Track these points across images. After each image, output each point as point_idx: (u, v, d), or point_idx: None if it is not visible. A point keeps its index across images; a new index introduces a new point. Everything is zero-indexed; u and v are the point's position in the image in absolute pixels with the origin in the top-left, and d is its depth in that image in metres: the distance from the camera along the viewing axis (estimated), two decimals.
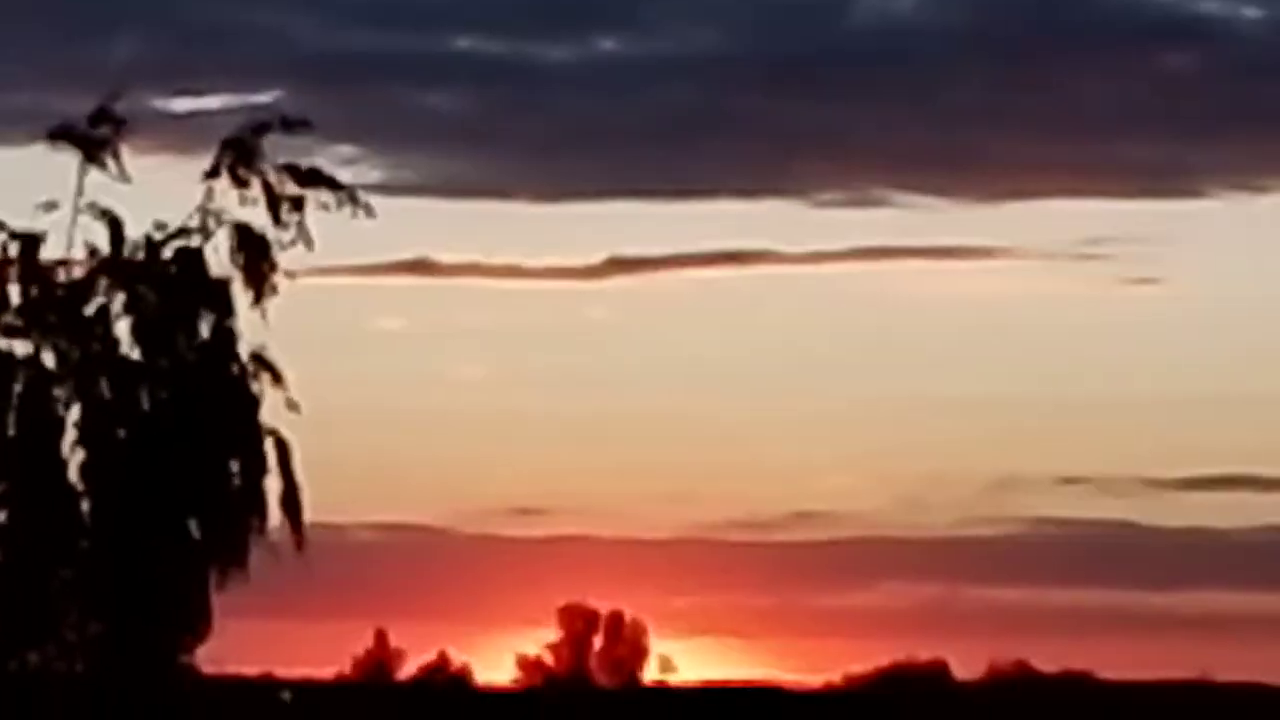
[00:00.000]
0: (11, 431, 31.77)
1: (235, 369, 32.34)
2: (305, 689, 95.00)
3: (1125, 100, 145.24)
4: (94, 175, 32.26)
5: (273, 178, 32.34)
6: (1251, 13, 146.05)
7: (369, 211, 32.95)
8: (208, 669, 33.28)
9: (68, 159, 32.25)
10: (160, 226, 32.33)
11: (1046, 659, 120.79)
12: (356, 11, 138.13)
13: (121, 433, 32.15)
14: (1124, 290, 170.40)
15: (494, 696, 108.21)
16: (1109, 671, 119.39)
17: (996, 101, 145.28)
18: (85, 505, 32.04)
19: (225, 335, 32.31)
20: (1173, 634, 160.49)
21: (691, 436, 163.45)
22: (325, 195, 32.53)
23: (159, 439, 32.19)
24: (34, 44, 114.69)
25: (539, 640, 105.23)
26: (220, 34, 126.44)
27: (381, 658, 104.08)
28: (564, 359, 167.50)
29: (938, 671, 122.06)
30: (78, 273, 32.24)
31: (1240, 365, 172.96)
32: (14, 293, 32.15)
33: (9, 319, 32.05)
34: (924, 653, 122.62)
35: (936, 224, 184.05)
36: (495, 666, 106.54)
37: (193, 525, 32.26)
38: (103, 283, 32.21)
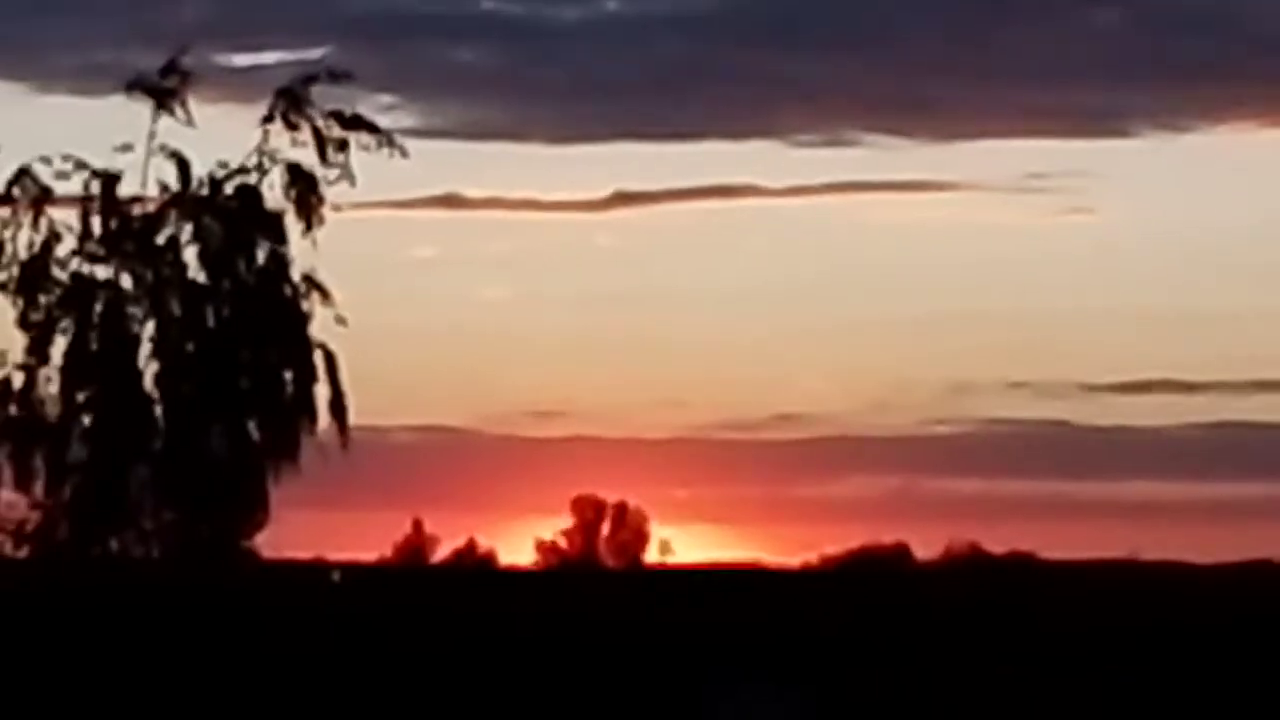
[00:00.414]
0: (94, 346, 32.43)
1: (288, 290, 32.99)
2: (351, 570, 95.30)
3: (1062, 52, 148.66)
4: (164, 122, 32.80)
5: (320, 123, 32.90)
6: None
7: (404, 152, 33.46)
8: (266, 553, 34.10)
9: (142, 107, 32.75)
10: (223, 166, 33.00)
11: (995, 542, 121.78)
12: None
13: (189, 346, 32.85)
14: (1061, 219, 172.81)
15: (516, 576, 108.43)
16: (1049, 552, 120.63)
17: (950, 54, 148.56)
18: (158, 410, 32.70)
19: (279, 261, 32.99)
20: (1105, 519, 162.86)
21: (686, 349, 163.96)
22: (366, 138, 33.04)
23: (222, 352, 32.93)
24: (111, 6, 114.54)
25: (554, 527, 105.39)
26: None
27: (418, 543, 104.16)
28: (575, 281, 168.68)
29: (900, 553, 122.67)
30: (151, 207, 32.85)
31: (1163, 285, 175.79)
32: (95, 224, 32.55)
33: (91, 247, 32.60)
34: (888, 537, 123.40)
35: (898, 161, 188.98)
36: (517, 551, 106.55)
37: (252, 427, 32.92)
38: (172, 215, 32.88)
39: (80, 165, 32.40)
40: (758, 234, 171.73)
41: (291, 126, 32.77)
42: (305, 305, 32.88)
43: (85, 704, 31.87)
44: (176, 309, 32.69)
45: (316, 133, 32.72)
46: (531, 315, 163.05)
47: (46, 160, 32.31)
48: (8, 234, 32.18)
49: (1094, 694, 72.64)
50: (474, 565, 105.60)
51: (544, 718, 66.37)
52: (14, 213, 32.19)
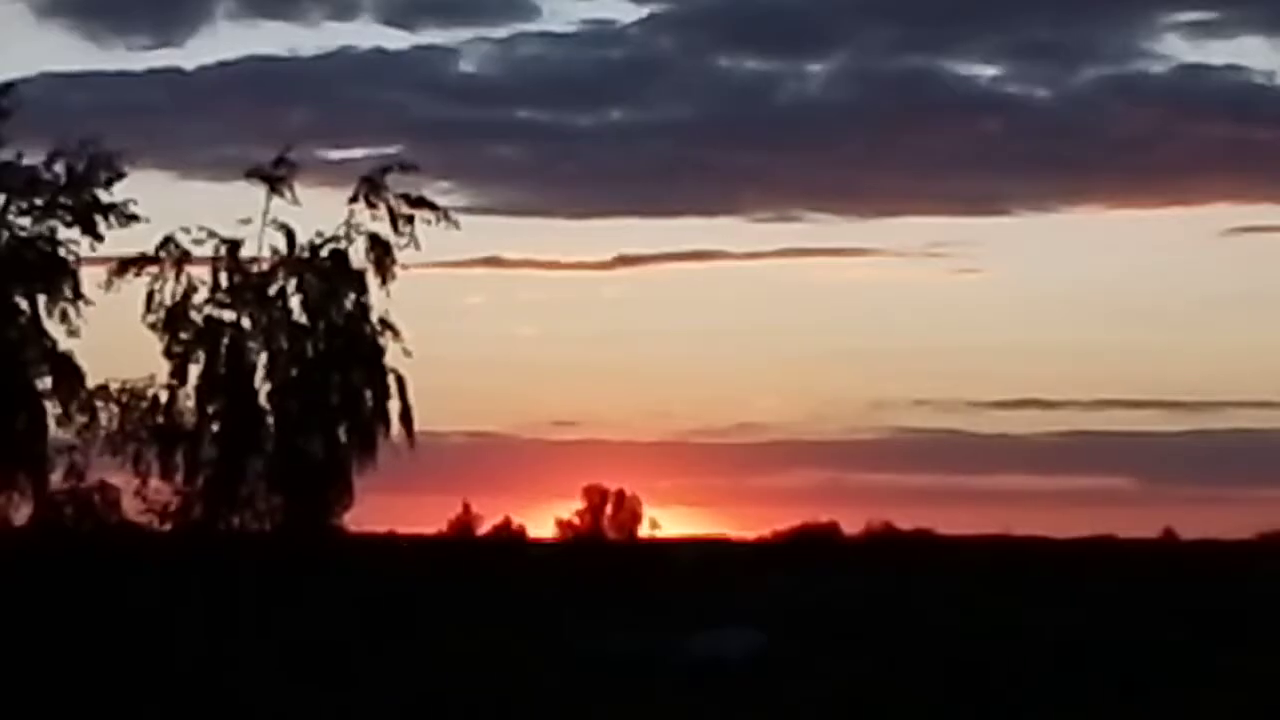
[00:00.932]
0: (221, 371, 32.28)
1: (368, 330, 32.84)
2: (416, 541, 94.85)
3: (956, 150, 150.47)
4: (276, 201, 32.67)
5: (393, 203, 32.72)
6: (1041, 92, 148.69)
7: (456, 225, 33.30)
8: (350, 528, 33.82)
9: (259, 190, 32.62)
10: (319, 235, 32.85)
11: (904, 520, 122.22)
12: (452, 91, 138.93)
13: (293, 372, 32.70)
14: (955, 277, 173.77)
15: (540, 545, 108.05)
16: (944, 529, 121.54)
17: (872, 152, 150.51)
18: (269, 420, 32.62)
19: (362, 307, 32.85)
20: (986, 504, 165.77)
21: (670, 375, 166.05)
22: (427, 214, 32.89)
23: (318, 375, 32.72)
24: (236, 112, 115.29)
25: (569, 509, 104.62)
26: (361, 106, 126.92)
27: (466, 520, 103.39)
28: (587, 323, 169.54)
29: (831, 529, 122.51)
30: (265, 266, 32.68)
31: (1032, 326, 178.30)
32: (223, 279, 32.39)
33: (219, 296, 32.44)
34: (823, 517, 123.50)
35: (832, 233, 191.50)
36: (541, 526, 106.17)
37: (340, 433, 32.70)
38: (281, 272, 32.75)
39: (211, 234, 32.24)
40: (725, 288, 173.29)
41: (372, 205, 32.59)
42: (381, 341, 32.68)
43: (214, 639, 31.80)
44: (284, 343, 32.60)
45: (390, 210, 32.53)
46: (554, 348, 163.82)
47: (186, 230, 32.23)
48: (156, 285, 32.02)
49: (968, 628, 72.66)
50: (509, 537, 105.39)
51: (564, 649, 66.07)
52: (161, 270, 32.03)
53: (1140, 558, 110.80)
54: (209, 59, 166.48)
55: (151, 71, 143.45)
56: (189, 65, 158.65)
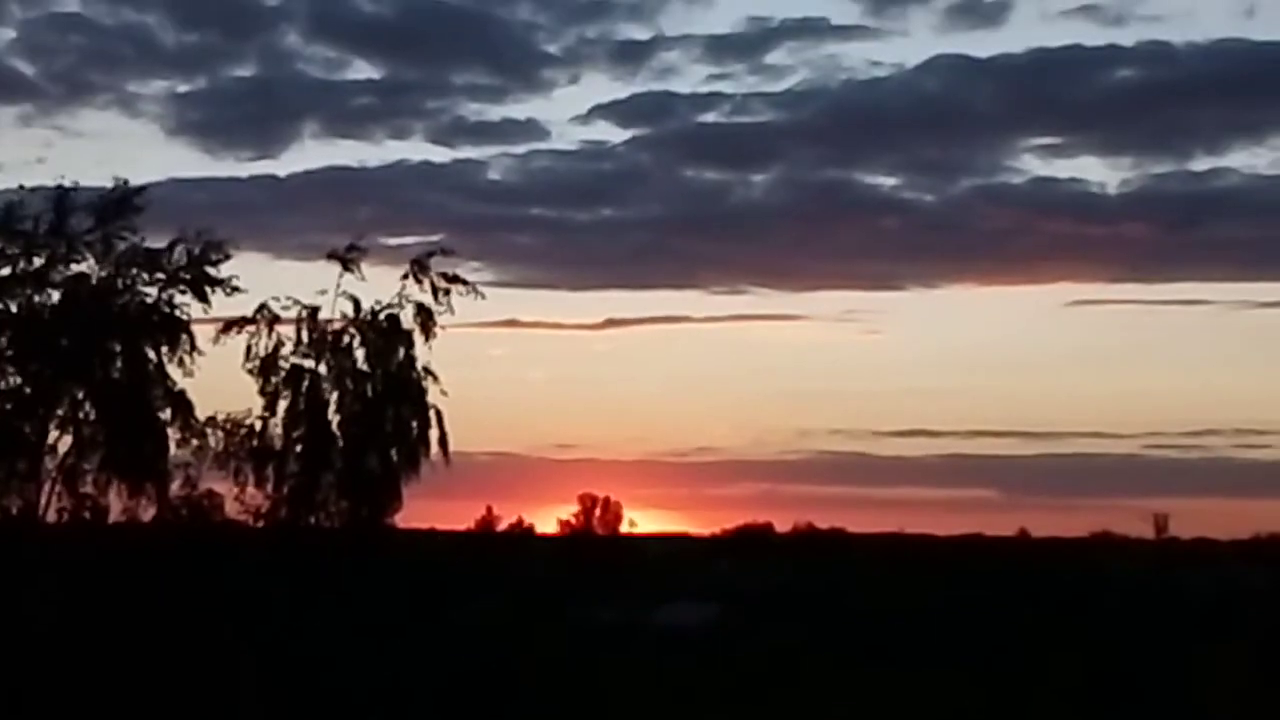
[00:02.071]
0: (301, 406, 31.93)
1: (415, 375, 32.46)
2: (450, 535, 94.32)
3: (866, 240, 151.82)
4: (347, 277, 32.39)
5: (435, 279, 32.40)
6: (928, 197, 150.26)
7: (482, 295, 33.04)
8: (400, 524, 33.53)
9: (334, 268, 32.36)
10: (378, 303, 32.55)
11: (823, 521, 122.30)
12: (482, 194, 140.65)
13: (357, 407, 32.27)
14: (864, 337, 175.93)
15: (545, 539, 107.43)
16: (853, 528, 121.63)
17: (801, 241, 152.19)
18: (339, 443, 32.18)
19: (410, 358, 32.48)
20: (886, 509, 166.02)
21: (648, 410, 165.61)
22: (461, 288, 32.53)
23: (376, 410, 32.34)
24: (317, 208, 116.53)
25: (568, 511, 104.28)
26: (413, 205, 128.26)
27: (489, 520, 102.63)
28: (583, 370, 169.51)
29: (768, 528, 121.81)
30: (337, 326, 32.37)
31: (922, 373, 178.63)
32: (304, 335, 32.10)
33: (302, 349, 32.09)
34: (761, 518, 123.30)
35: (771, 303, 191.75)
36: (547, 524, 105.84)
37: (393, 452, 32.30)
38: (349, 331, 32.40)
39: (296, 302, 32.10)
40: (689, 344, 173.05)
41: (419, 281, 32.30)
42: (424, 384, 32.31)
43: (296, 612, 31.53)
44: (350, 385, 32.21)
45: (433, 285, 32.21)
46: (557, 389, 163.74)
47: (276, 299, 32.05)
48: (253, 341, 31.76)
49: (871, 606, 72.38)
50: (521, 532, 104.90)
51: (563, 619, 65.73)
52: (257, 329, 31.79)
53: (1002, 551, 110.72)
54: (298, 168, 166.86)
55: (253, 177, 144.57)
56: (282, 173, 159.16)
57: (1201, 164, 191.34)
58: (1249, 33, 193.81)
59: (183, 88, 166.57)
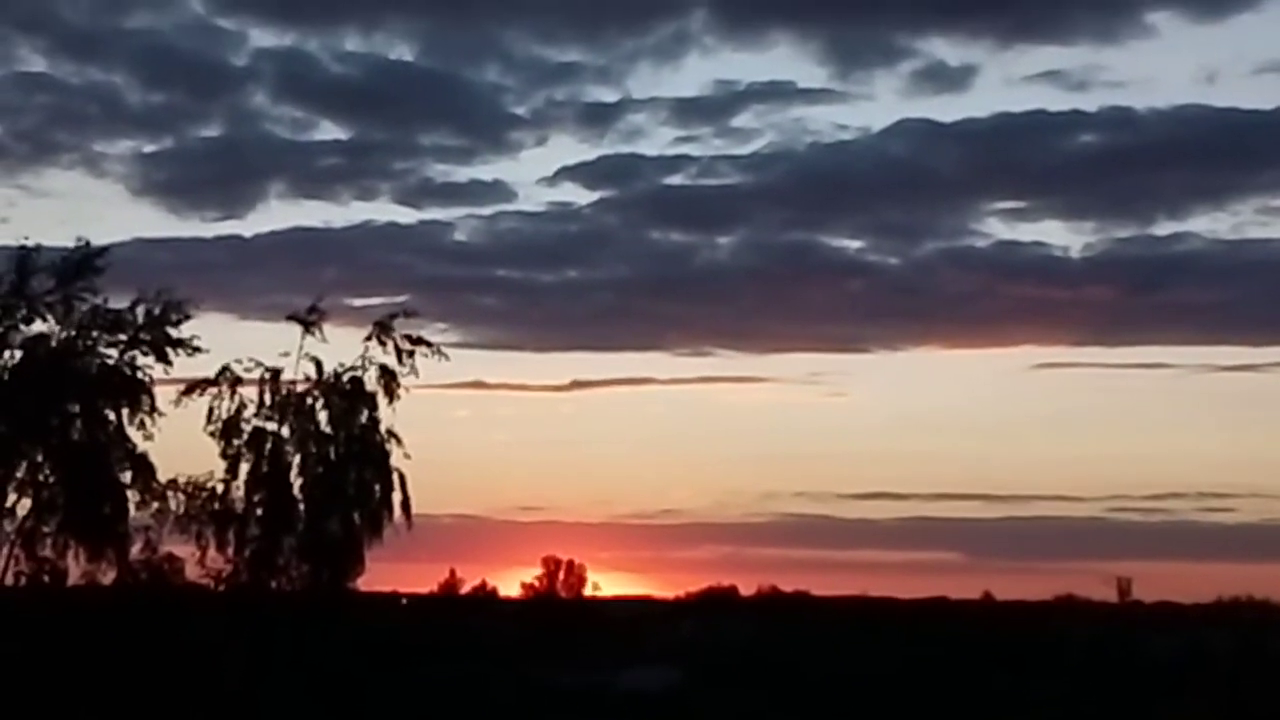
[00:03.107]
0: (265, 468, 31.81)
1: (378, 438, 32.41)
2: (412, 597, 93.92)
3: (831, 303, 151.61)
4: (309, 339, 32.39)
5: (399, 341, 32.43)
6: (893, 260, 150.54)
7: (446, 357, 33.05)
8: (362, 587, 33.52)
9: (295, 330, 32.33)
10: (342, 365, 32.50)
11: (787, 584, 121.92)
12: (448, 255, 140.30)
13: (319, 469, 32.22)
14: (828, 399, 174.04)
15: (509, 601, 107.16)
16: (817, 591, 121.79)
17: (765, 304, 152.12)
18: (301, 507, 32.10)
19: (373, 420, 32.44)
20: (850, 572, 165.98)
21: (612, 472, 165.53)
22: (425, 349, 32.58)
23: (339, 472, 32.27)
24: (280, 269, 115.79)
25: (531, 573, 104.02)
26: (378, 266, 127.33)
27: (452, 583, 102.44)
28: (548, 432, 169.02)
29: (732, 590, 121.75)
30: (300, 388, 32.34)
31: (886, 437, 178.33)
32: (267, 398, 32.07)
33: (265, 411, 32.07)
34: (725, 580, 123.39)
35: (736, 365, 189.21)
36: (510, 587, 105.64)
37: (356, 515, 32.22)
38: (314, 393, 32.40)
39: (259, 364, 32.00)
40: (654, 406, 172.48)
41: (382, 343, 32.29)
42: (388, 447, 32.23)
43: (256, 671, 31.46)
44: (312, 448, 32.15)
45: (396, 347, 32.23)
46: (522, 451, 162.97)
47: (239, 360, 31.94)
48: (215, 403, 31.69)
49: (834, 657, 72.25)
50: (485, 595, 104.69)
51: (526, 681, 65.47)
52: (219, 390, 31.70)
53: (966, 613, 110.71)
54: (264, 228, 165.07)
55: (218, 238, 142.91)
56: (247, 233, 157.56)
57: (1163, 228, 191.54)
58: (1210, 99, 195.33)
59: (149, 147, 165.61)
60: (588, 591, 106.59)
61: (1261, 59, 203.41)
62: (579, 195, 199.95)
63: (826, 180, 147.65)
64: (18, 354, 31.03)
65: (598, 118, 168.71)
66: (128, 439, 31.30)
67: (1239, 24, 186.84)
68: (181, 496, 31.44)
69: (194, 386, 31.66)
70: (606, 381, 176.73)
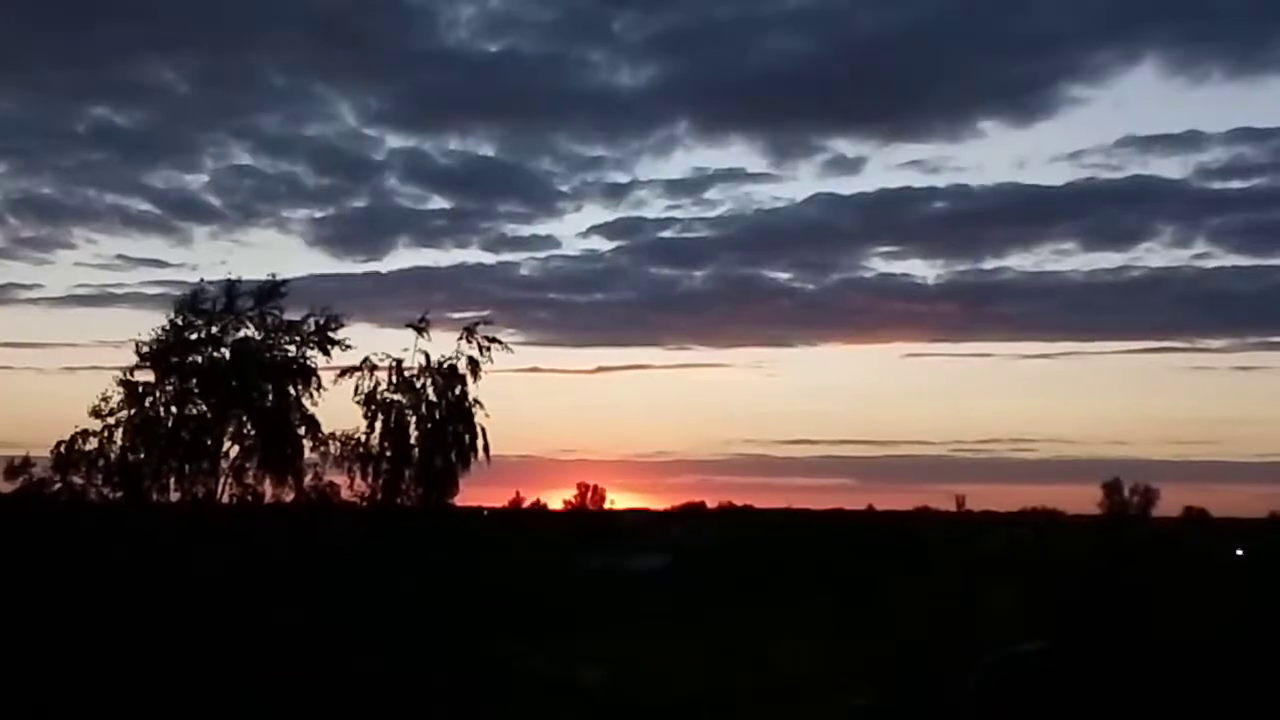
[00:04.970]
0: (392, 424, 31.27)
1: (467, 404, 31.84)
2: (491, 510, 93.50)
3: (769, 314, 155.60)
4: (421, 340, 31.89)
5: (481, 340, 31.94)
6: (810, 285, 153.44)
7: (512, 351, 32.46)
8: (457, 503, 32.74)
9: (412, 334, 31.93)
10: (443, 356, 32.03)
11: (738, 500, 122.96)
12: (516, 284, 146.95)
13: (428, 425, 31.54)
14: (768, 378, 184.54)
15: (554, 513, 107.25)
16: (758, 504, 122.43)
17: (727, 316, 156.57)
18: (416, 450, 31.43)
19: (464, 393, 31.86)
20: (782, 493, 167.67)
21: (624, 428, 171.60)
22: (499, 346, 32.06)
23: (441, 427, 31.71)
24: (407, 293, 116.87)
25: (570, 493, 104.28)
26: (470, 291, 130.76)
27: (517, 501, 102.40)
28: (581, 401, 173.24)
29: (702, 505, 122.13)
30: (414, 372, 31.81)
31: (805, 403, 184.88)
32: (393, 378, 31.59)
33: (391, 388, 31.60)
34: (698, 498, 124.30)
35: (706, 356, 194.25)
36: (555, 503, 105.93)
37: (453, 455, 31.61)
38: (426, 375, 31.85)
39: (389, 356, 31.43)
40: (654, 384, 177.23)
41: (470, 341, 31.78)
42: (474, 410, 31.67)
43: (391, 558, 30.68)
44: (424, 411, 31.54)
45: (479, 344, 31.73)
46: (563, 413, 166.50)
47: (376, 354, 31.39)
48: (360, 382, 31.08)
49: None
50: (538, 509, 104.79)
51: (568, 566, 65.25)
52: (362, 374, 31.13)
53: (857, 519, 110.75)
54: (394, 267, 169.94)
55: (364, 273, 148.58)
56: (384, 270, 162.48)
57: (989, 264, 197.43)
58: (1020, 178, 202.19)
59: (319, 214, 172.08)
60: (607, 505, 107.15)
61: (1055, 152, 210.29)
62: (603, 244, 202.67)
63: (766, 234, 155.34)
64: (228, 351, 30.97)
65: (615, 193, 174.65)
66: (302, 406, 31.08)
67: (1041, 129, 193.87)
68: (338, 444, 31.15)
69: (346, 371, 31.40)
70: (621, 367, 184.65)
